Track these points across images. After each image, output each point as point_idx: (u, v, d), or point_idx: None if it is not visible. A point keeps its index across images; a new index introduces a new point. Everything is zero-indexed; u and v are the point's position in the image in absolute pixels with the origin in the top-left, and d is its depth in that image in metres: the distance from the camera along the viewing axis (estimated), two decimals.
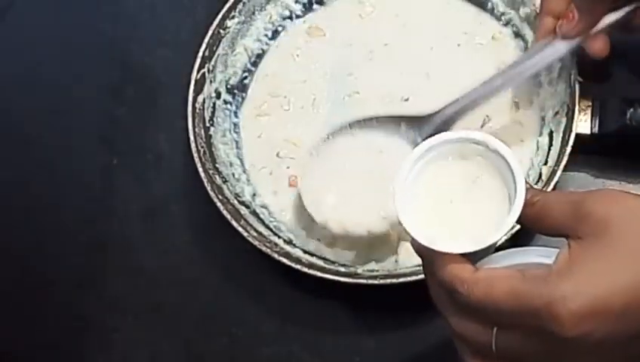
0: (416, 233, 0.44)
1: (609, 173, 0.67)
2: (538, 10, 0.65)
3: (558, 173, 0.61)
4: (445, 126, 0.64)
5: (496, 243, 0.45)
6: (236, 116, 0.72)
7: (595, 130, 0.64)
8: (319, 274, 0.61)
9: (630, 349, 0.42)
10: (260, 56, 0.74)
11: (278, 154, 0.70)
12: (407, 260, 0.63)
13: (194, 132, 0.67)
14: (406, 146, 0.64)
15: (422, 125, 0.64)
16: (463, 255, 0.44)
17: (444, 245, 0.44)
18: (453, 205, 0.46)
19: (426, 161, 0.46)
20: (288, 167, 0.69)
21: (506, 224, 0.44)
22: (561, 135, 0.64)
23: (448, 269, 0.44)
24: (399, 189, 0.45)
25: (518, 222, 0.44)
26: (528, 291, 0.41)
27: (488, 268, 0.44)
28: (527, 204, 0.44)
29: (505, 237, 0.48)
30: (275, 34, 0.74)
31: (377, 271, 0.63)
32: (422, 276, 0.59)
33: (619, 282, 0.40)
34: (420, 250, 0.46)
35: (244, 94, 0.73)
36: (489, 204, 0.46)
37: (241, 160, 0.70)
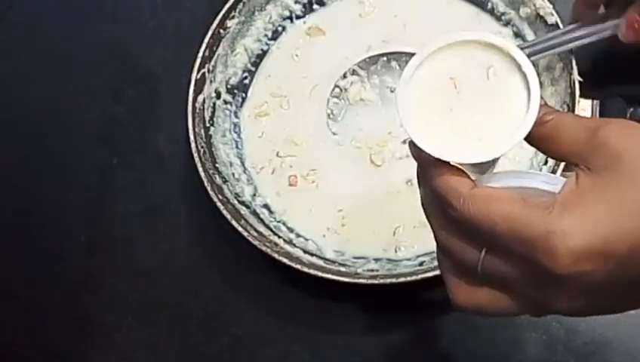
0: (417, 135, 0.42)
1: None
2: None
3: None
4: None
5: (499, 158, 0.42)
6: (236, 116, 0.72)
7: None
8: (319, 274, 0.61)
9: (627, 295, 0.40)
10: (260, 57, 0.74)
11: (278, 154, 0.70)
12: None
13: (194, 132, 0.67)
14: None
15: None
16: (463, 165, 0.42)
17: (443, 152, 0.41)
18: (460, 106, 0.42)
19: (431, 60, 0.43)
20: (292, 166, 0.69)
21: (514, 139, 0.40)
22: None
23: (445, 180, 0.41)
24: (403, 84, 0.43)
25: (526, 140, 0.42)
26: (527, 218, 0.38)
27: (488, 186, 0.41)
28: (538, 122, 0.41)
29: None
30: (275, 34, 0.74)
31: (377, 271, 0.63)
32: (422, 276, 0.60)
33: (627, 224, 0.37)
34: (417, 153, 0.43)
35: (244, 94, 0.73)
36: (498, 114, 0.42)
37: (241, 160, 0.70)
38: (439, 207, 0.42)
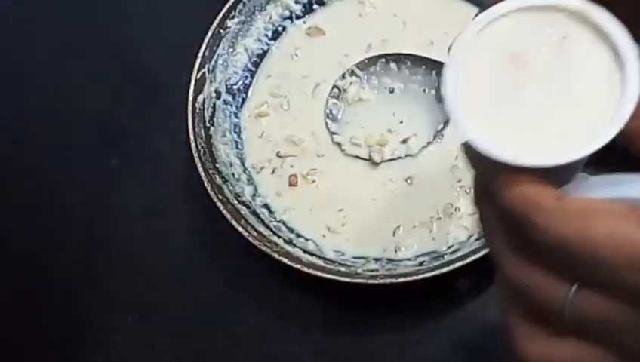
0: (474, 132, 0.32)
1: (607, 170, 0.66)
2: None
3: None
4: None
5: (585, 161, 0.32)
6: (236, 116, 0.72)
7: None
8: (319, 274, 0.61)
9: None
10: (260, 56, 0.74)
11: (278, 154, 0.70)
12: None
13: (194, 132, 0.67)
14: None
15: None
16: (541, 172, 0.31)
17: (514, 154, 0.31)
18: (527, 90, 0.32)
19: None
20: (292, 166, 0.69)
21: (608, 129, 0.30)
22: None
23: (521, 191, 0.31)
24: (451, 66, 0.33)
25: (618, 142, 0.31)
26: None
27: (580, 197, 0.31)
28: (634, 115, 0.30)
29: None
30: (276, 34, 0.74)
31: (377, 271, 0.63)
32: (422, 276, 0.60)
33: None
34: (475, 158, 0.33)
35: (244, 94, 0.73)
36: (581, 99, 0.32)
37: (241, 160, 0.70)
38: (510, 228, 0.33)
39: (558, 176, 0.32)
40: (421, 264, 0.62)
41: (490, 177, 0.32)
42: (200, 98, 0.69)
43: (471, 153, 0.33)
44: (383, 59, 0.71)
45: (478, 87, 0.33)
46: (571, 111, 0.32)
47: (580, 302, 0.31)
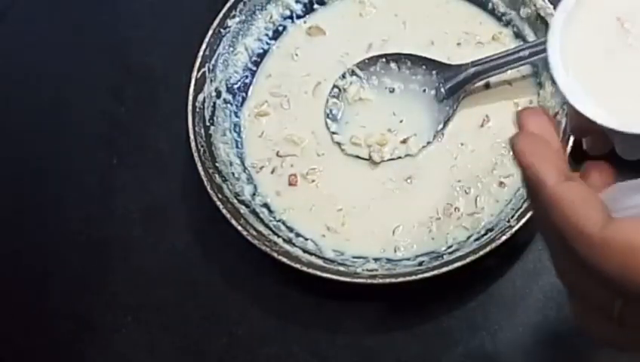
0: (569, 88, 0.31)
1: None
2: None
3: None
4: (465, 82, 0.67)
5: None
6: (236, 115, 0.72)
7: None
8: (319, 273, 0.61)
9: None
10: (260, 56, 0.74)
11: (278, 153, 0.70)
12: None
13: (194, 131, 0.67)
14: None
15: (444, 73, 0.68)
16: (622, 135, 0.31)
17: (607, 115, 0.31)
18: (628, 53, 0.33)
19: None
20: (292, 165, 0.69)
21: None
22: (560, 135, 0.64)
23: (565, 212, 0.30)
24: (558, 22, 0.34)
25: None
26: None
27: (631, 210, 0.30)
28: None
29: None
30: (276, 33, 0.74)
31: (377, 270, 0.63)
32: (422, 276, 0.60)
33: None
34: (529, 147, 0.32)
35: (244, 93, 0.73)
36: None
37: (241, 159, 0.70)
38: (559, 241, 0.31)
39: (626, 142, 0.33)
40: (420, 264, 0.62)
41: (540, 191, 0.31)
42: (200, 97, 0.69)
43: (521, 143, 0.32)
44: (383, 59, 0.71)
45: (582, 43, 0.33)
46: None
47: (626, 312, 0.31)
